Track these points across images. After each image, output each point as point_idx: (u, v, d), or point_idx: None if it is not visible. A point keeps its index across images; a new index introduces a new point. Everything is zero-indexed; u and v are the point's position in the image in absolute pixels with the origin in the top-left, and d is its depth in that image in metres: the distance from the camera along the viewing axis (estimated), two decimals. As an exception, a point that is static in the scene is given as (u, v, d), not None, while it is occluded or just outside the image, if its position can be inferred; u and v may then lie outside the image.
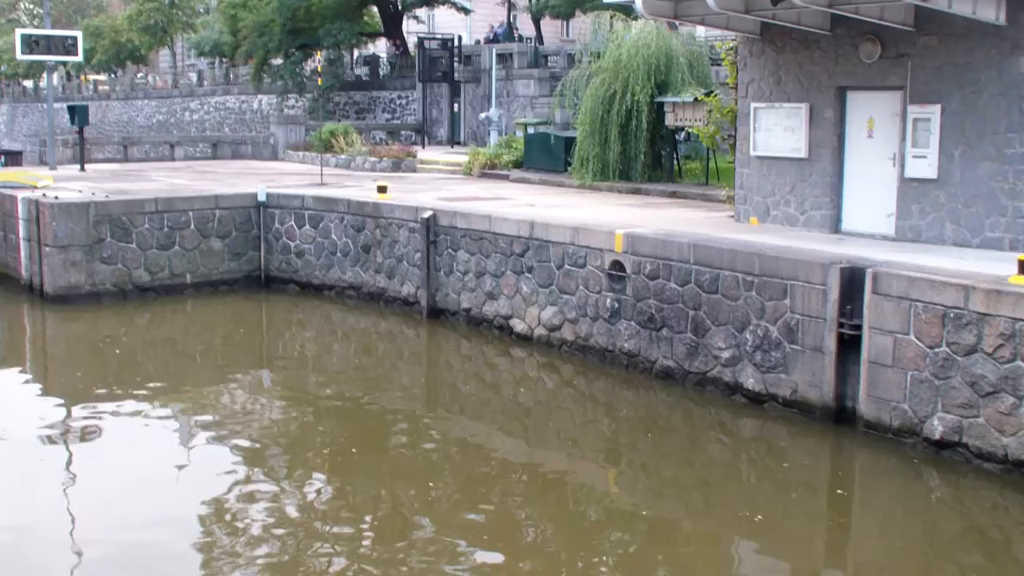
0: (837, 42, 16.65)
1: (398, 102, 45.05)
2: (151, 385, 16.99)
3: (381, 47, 56.46)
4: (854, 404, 13.48)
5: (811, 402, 13.86)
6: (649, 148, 24.33)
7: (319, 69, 38.18)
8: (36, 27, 66.33)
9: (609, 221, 17.76)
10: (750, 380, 14.53)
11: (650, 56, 23.88)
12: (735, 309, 14.69)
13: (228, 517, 11.31)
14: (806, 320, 13.82)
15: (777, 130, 17.68)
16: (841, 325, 13.43)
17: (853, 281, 13.38)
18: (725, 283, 14.81)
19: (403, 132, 40.74)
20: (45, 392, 17.12)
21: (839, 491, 12.66)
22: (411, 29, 51.28)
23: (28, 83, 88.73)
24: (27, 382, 18.05)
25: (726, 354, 14.83)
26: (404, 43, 49.14)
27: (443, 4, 49.06)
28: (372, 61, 50.16)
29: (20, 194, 23.18)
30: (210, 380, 17.66)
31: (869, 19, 15.45)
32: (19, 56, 32.74)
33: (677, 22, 20.71)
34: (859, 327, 13.24)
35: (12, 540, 10.63)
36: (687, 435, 14.31)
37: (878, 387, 13.07)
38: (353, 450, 13.68)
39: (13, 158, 43.19)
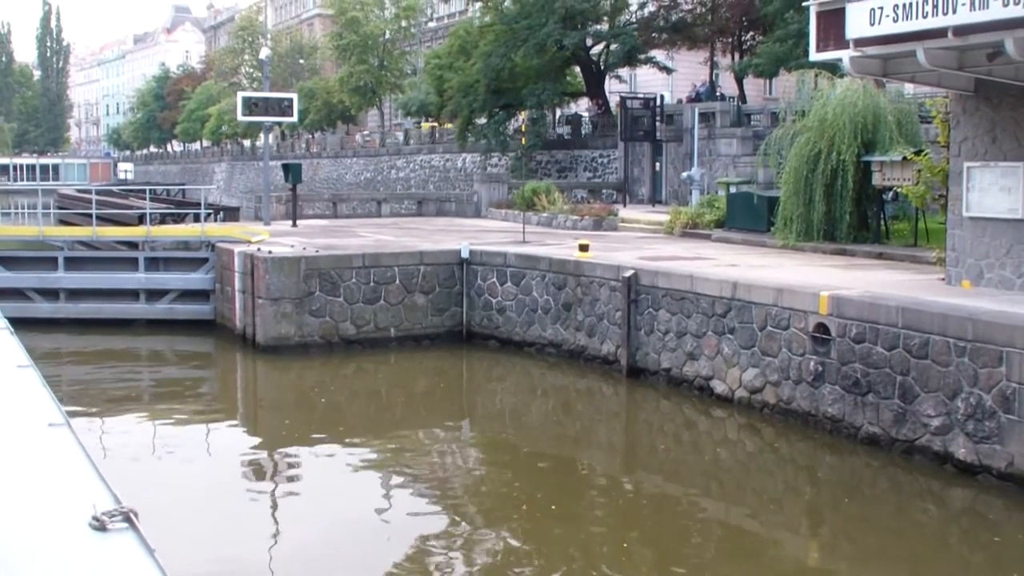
0: (1058, 99, 16.02)
1: (599, 161, 45.39)
2: (353, 434, 17.51)
3: (583, 106, 57.08)
4: (1076, 478, 12.80)
5: (1028, 475, 13.21)
6: (855, 208, 23.76)
7: (523, 128, 38.84)
8: (255, 90, 69.52)
9: (813, 282, 17.42)
10: (961, 450, 13.95)
11: (856, 114, 23.40)
12: (946, 375, 14.16)
13: (423, 566, 11.48)
14: (1023, 389, 13.21)
15: (992, 190, 17.06)
16: (1062, 395, 12.79)
17: (1075, 349, 12.75)
18: (935, 348, 14.31)
19: (604, 191, 40.98)
20: (253, 437, 17.85)
21: (1059, 570, 12.00)
22: (613, 88, 51.70)
23: (245, 142, 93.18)
24: (237, 427, 18.82)
25: (936, 422, 14.30)
26: (606, 102, 49.57)
27: (645, 64, 49.30)
28: (574, 120, 50.80)
29: (237, 248, 24.29)
30: (410, 432, 18.01)
31: (1093, 75, 14.85)
32: (240, 117, 34.43)
33: (885, 79, 20.29)
34: (1081, 397, 12.58)
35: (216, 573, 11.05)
36: (893, 503, 13.82)
37: (1102, 461, 12.37)
38: (553, 507, 13.70)
39: (230, 214, 45.26)
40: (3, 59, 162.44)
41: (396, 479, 14.95)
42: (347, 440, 17.03)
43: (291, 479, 15.05)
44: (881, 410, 15.08)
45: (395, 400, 20.27)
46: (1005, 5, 13.88)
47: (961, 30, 14.68)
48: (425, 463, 15.93)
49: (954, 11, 14.56)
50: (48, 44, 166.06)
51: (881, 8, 15.67)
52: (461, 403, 20.57)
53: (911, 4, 15.17)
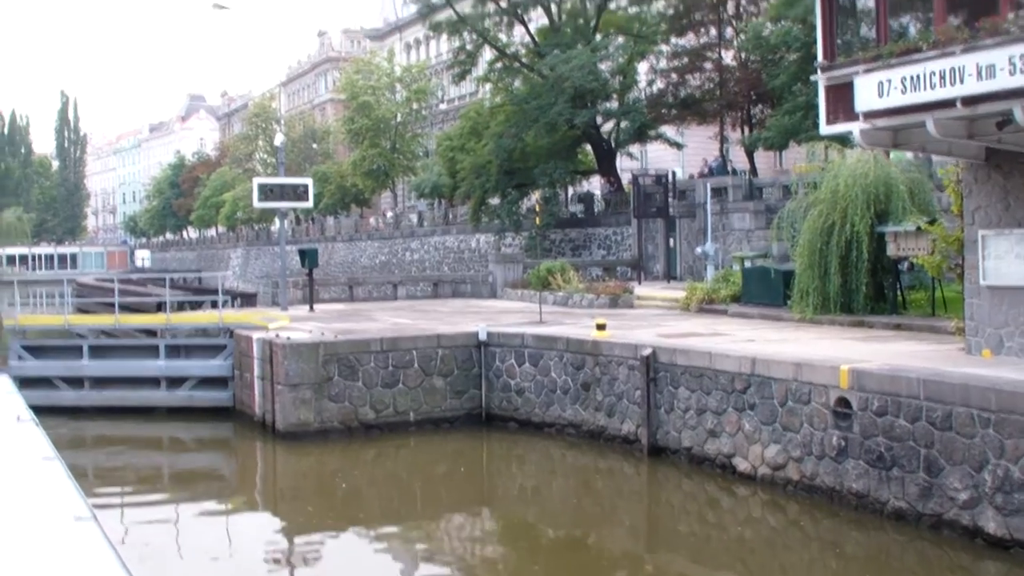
0: (1070, 167, 16.04)
1: (613, 238, 45.52)
2: (374, 520, 17.40)
3: (595, 184, 57.38)
4: (1107, 549, 12.60)
5: (1059, 547, 13.02)
6: (871, 279, 23.73)
7: (536, 208, 39.01)
8: (269, 175, 70.22)
9: (832, 356, 17.35)
10: (991, 524, 13.76)
11: (868, 185, 23.48)
12: (971, 447, 14.02)
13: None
14: (1050, 459, 13.07)
15: (1008, 258, 17.02)
16: (1089, 465, 12.65)
17: (1100, 418, 12.63)
18: (959, 420, 14.19)
19: (619, 268, 41.04)
20: (275, 525, 17.75)
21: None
22: (624, 166, 52.03)
23: (260, 227, 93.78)
24: (259, 515, 18.74)
25: (963, 496, 14.13)
26: (618, 179, 49.82)
27: (656, 140, 49.65)
28: (586, 198, 51.01)
29: (255, 335, 24.35)
30: (432, 516, 17.90)
31: (1104, 143, 14.89)
32: (255, 204, 34.66)
33: (896, 150, 20.39)
34: (1109, 467, 12.44)
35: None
36: (923, 580, 13.64)
37: None
38: (576, 591, 13.57)
39: (247, 299, 45.47)
40: (22, 151, 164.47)
41: (418, 565, 14.84)
42: (368, 526, 16.93)
43: (313, 567, 14.94)
44: (907, 484, 14.92)
45: (415, 485, 20.16)
46: (1012, 74, 13.99)
47: (969, 100, 14.78)
48: (446, 548, 15.82)
49: (962, 81, 14.67)
50: (66, 135, 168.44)
51: (889, 80, 15.81)
52: (482, 486, 20.44)
53: (919, 76, 15.31)
